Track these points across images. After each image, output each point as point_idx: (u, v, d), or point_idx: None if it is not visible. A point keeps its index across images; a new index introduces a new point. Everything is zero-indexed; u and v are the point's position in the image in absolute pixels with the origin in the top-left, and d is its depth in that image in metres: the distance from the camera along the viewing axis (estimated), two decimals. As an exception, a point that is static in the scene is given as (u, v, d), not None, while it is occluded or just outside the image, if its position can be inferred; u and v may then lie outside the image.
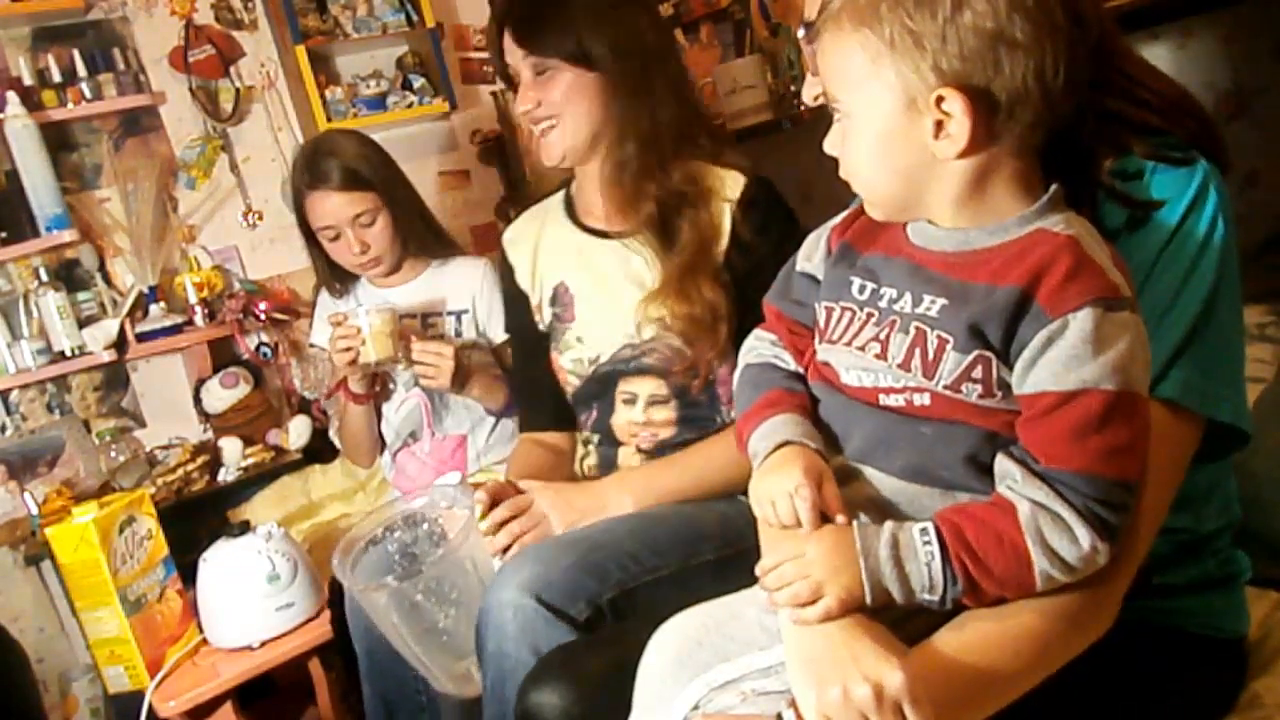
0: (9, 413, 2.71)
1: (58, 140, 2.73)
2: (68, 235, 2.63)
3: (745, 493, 0.89)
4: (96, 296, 2.76)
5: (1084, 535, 0.73)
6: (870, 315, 0.83)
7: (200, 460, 2.63)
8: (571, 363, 1.55)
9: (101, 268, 2.79)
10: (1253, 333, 1.48)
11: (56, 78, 2.72)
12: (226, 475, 2.67)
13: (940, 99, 0.75)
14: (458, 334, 2.09)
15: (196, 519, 2.48)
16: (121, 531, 1.86)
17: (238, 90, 2.99)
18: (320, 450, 2.71)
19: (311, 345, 2.31)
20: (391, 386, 2.11)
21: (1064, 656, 0.80)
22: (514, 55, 1.47)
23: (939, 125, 0.76)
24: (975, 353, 0.76)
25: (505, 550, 1.35)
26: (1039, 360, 0.74)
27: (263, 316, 2.85)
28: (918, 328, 0.79)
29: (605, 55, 1.42)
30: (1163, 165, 0.87)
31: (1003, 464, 0.77)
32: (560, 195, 1.62)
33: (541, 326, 1.61)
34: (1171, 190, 0.86)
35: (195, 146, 2.95)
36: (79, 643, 2.53)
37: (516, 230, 1.67)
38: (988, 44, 0.73)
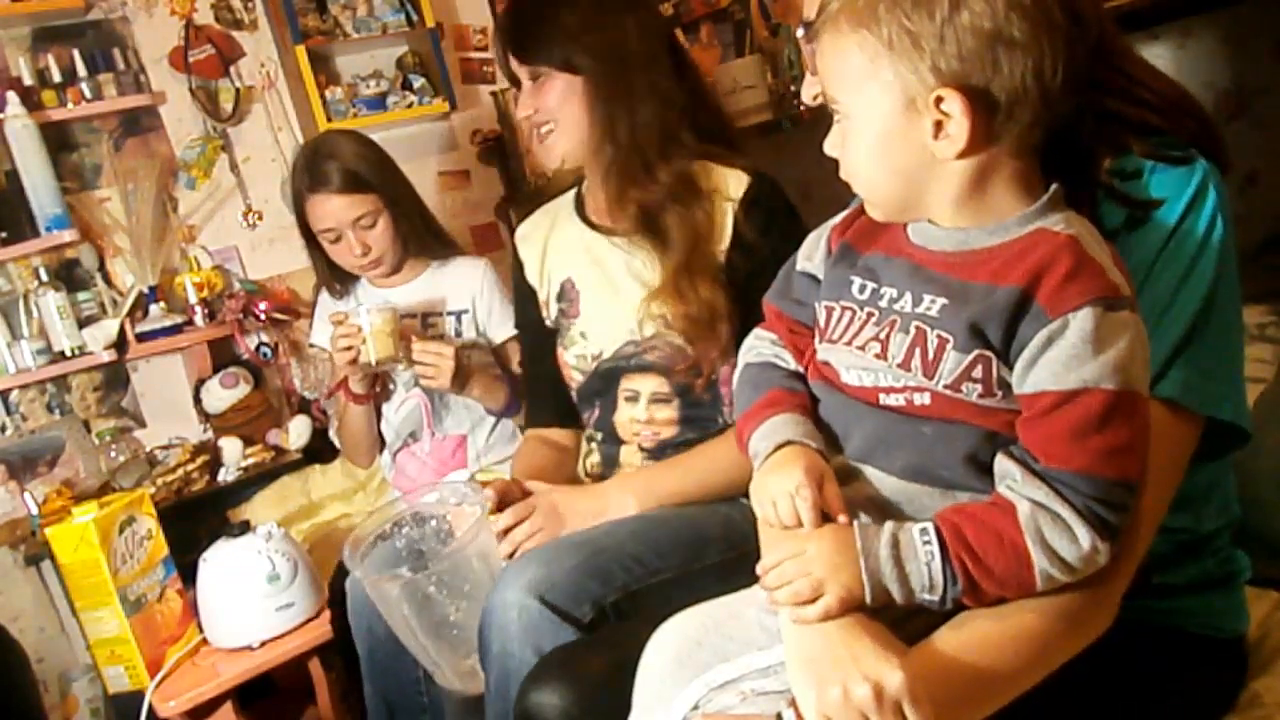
0: (9, 413, 2.71)
1: (58, 140, 2.73)
2: (68, 235, 2.64)
3: (748, 495, 0.89)
4: (96, 296, 2.76)
5: (1084, 535, 0.73)
6: (870, 315, 0.83)
7: (200, 460, 2.63)
8: (575, 358, 1.56)
9: (101, 268, 2.80)
10: (1253, 333, 1.48)
11: (56, 78, 2.72)
12: (226, 475, 2.67)
13: (939, 99, 0.75)
14: (458, 334, 2.09)
15: (196, 519, 2.48)
16: (121, 531, 1.86)
17: (238, 90, 2.99)
18: (320, 450, 2.72)
19: (311, 345, 2.31)
20: (391, 387, 2.11)
21: (1064, 656, 0.80)
22: (512, 63, 1.50)
23: (938, 125, 0.76)
24: (975, 352, 0.76)
25: (510, 556, 1.35)
26: (1039, 360, 0.74)
27: (263, 316, 2.85)
28: (918, 327, 0.79)
29: (588, 61, 1.44)
30: (1162, 165, 0.87)
31: (1002, 464, 0.77)
32: (572, 193, 1.63)
33: (548, 322, 1.62)
34: (1170, 189, 0.86)
35: (195, 146, 2.96)
36: (79, 643, 2.53)
37: (528, 226, 1.69)
38: (986, 44, 0.73)
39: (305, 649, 1.94)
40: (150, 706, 1.85)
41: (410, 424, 2.09)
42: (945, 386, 0.78)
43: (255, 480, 2.64)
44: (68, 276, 2.75)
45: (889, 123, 0.78)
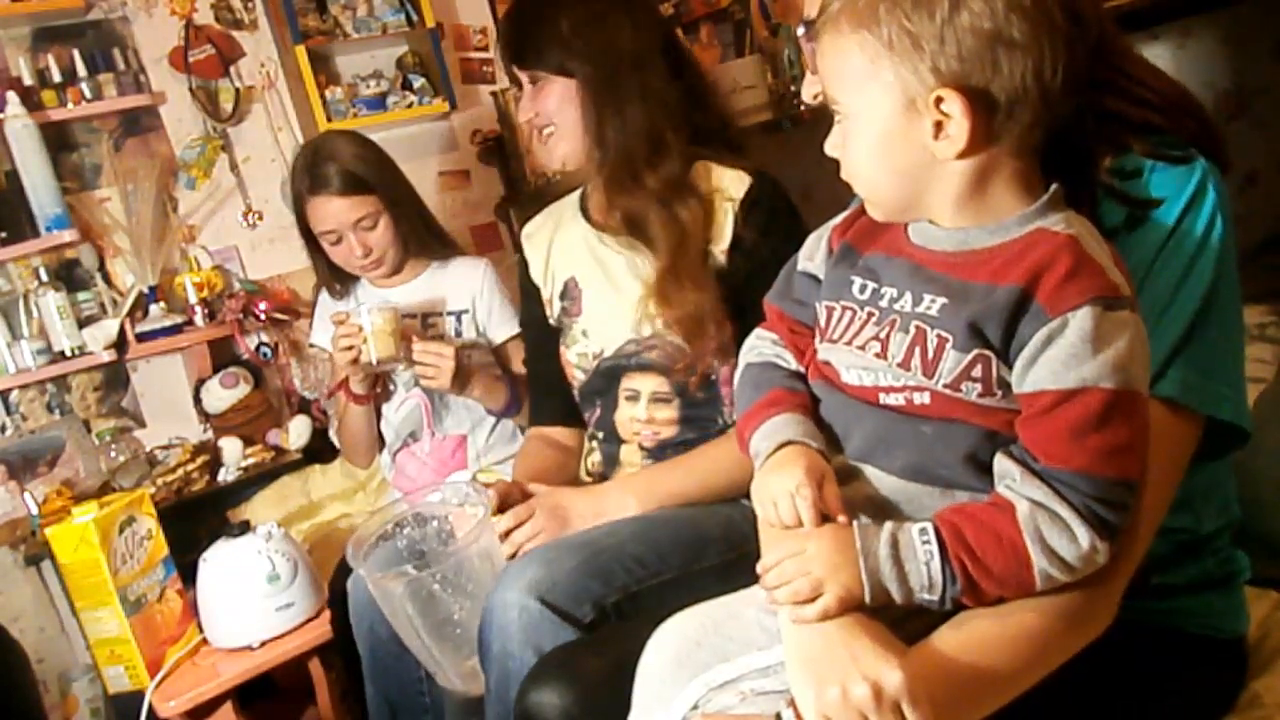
0: (9, 413, 2.71)
1: (58, 140, 2.73)
2: (68, 235, 2.64)
3: (749, 495, 0.89)
4: (96, 296, 2.76)
5: (1083, 534, 0.73)
6: (871, 314, 0.83)
7: (200, 460, 2.63)
8: (577, 357, 1.57)
9: (101, 268, 2.79)
10: (1253, 333, 1.48)
11: (56, 78, 2.72)
12: (226, 475, 2.67)
13: (939, 99, 0.75)
14: (458, 334, 2.09)
15: (196, 519, 2.49)
16: (121, 531, 1.86)
17: (238, 90, 2.99)
18: (320, 450, 2.72)
19: (311, 345, 2.31)
20: (391, 387, 2.11)
21: (1063, 655, 0.80)
22: (513, 68, 1.52)
23: (938, 126, 0.76)
24: (975, 351, 0.76)
25: (512, 558, 1.35)
26: (1038, 359, 0.74)
27: (263, 316, 2.85)
28: (918, 327, 0.79)
29: (583, 65, 1.45)
30: (1162, 164, 0.87)
31: (1002, 463, 0.77)
32: (577, 193, 1.65)
33: (551, 321, 1.63)
34: (1170, 189, 0.86)
35: (195, 146, 2.96)
36: (79, 643, 2.53)
37: (534, 225, 1.70)
38: (985, 44, 0.73)
39: (305, 649, 1.94)
40: (150, 706, 1.85)
41: (410, 424, 2.09)
42: (945, 386, 0.78)
43: (255, 480, 2.64)
44: (68, 276, 2.75)
45: (889, 123, 0.78)
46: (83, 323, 2.70)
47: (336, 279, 2.13)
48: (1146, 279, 0.85)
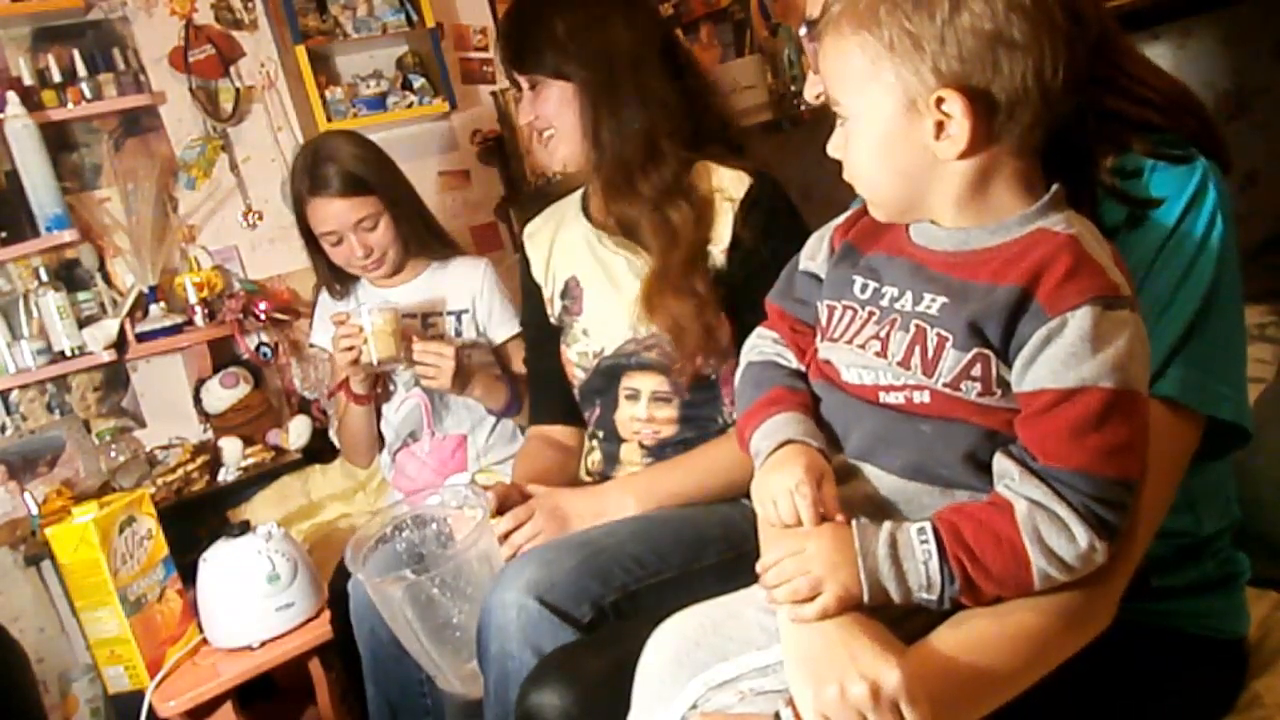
0: (9, 413, 2.71)
1: (58, 140, 2.73)
2: (68, 235, 2.64)
3: (748, 495, 0.89)
4: (96, 296, 2.76)
5: (1081, 534, 0.73)
6: (871, 313, 0.83)
7: (200, 460, 2.63)
8: (578, 355, 1.57)
9: (101, 268, 2.80)
10: (1253, 333, 1.48)
11: (56, 78, 2.72)
12: (226, 475, 2.67)
13: (940, 100, 0.75)
14: (458, 334, 2.09)
15: (196, 519, 2.49)
16: (121, 531, 1.86)
17: (238, 90, 2.99)
18: (320, 450, 2.72)
19: (311, 345, 2.31)
20: (391, 387, 2.11)
21: (1062, 655, 0.80)
22: (512, 72, 1.53)
23: (939, 126, 0.76)
24: (974, 350, 0.77)
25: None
26: (1038, 358, 0.74)
27: (263, 316, 2.85)
28: (918, 325, 0.79)
29: (579, 69, 1.45)
30: (1162, 163, 0.87)
31: (1001, 462, 0.77)
32: (579, 192, 1.65)
33: (552, 320, 1.63)
34: (1171, 188, 0.86)
35: (195, 146, 2.96)
36: (79, 643, 2.53)
37: (536, 224, 1.71)
38: (986, 45, 0.73)
39: (305, 649, 1.94)
40: (150, 706, 1.85)
41: (410, 424, 2.09)
42: (944, 384, 0.78)
43: (255, 480, 2.65)
44: (68, 276, 2.75)
45: (891, 124, 0.78)
46: (83, 323, 2.70)
47: (336, 279, 2.13)
48: (1147, 278, 0.85)
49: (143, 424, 2.86)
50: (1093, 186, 0.86)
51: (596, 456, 1.58)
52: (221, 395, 2.76)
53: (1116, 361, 0.72)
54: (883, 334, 0.81)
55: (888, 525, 0.78)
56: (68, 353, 2.65)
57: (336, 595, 1.79)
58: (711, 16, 2.97)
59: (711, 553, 1.36)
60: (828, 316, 0.88)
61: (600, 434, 1.57)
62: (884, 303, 0.83)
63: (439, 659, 1.36)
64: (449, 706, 1.56)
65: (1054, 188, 0.79)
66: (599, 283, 1.55)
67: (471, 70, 3.38)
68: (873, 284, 0.85)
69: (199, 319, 2.79)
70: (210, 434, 2.81)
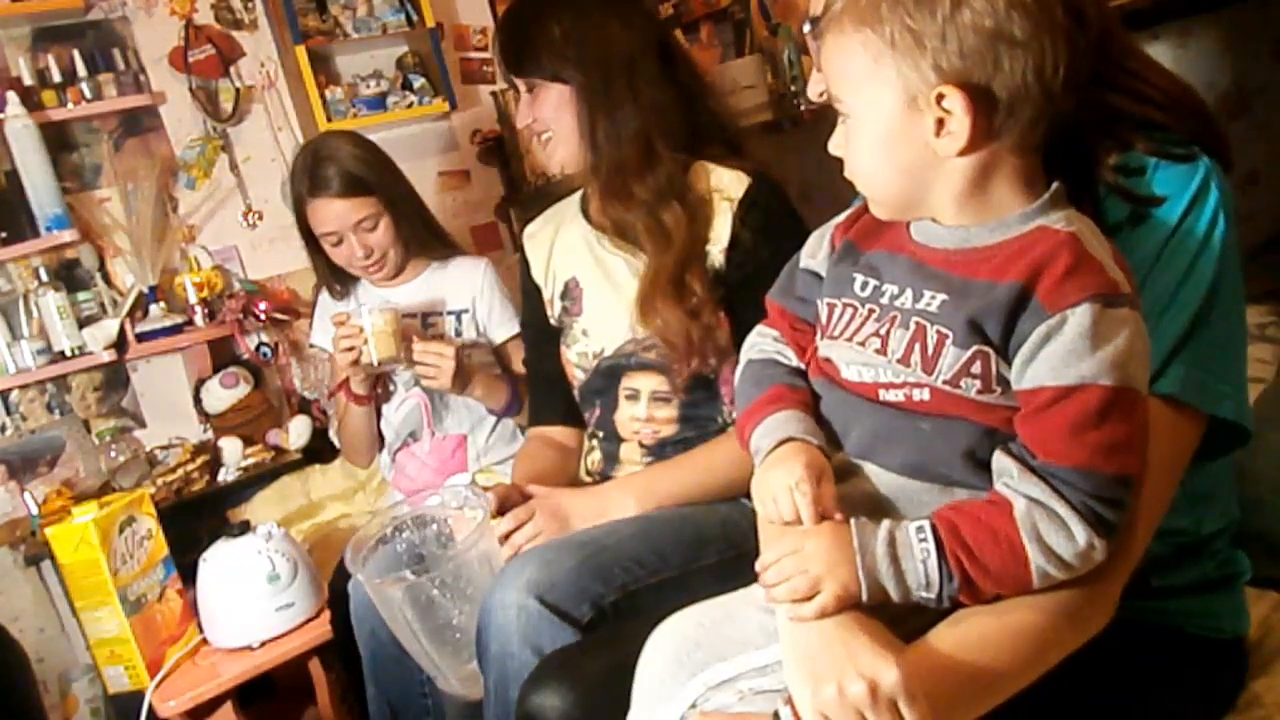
0: (9, 413, 2.72)
1: (58, 140, 2.73)
2: (68, 235, 2.64)
3: (748, 495, 0.89)
4: (96, 296, 2.76)
5: (1080, 532, 0.73)
6: (871, 311, 0.83)
7: (200, 460, 2.63)
8: (578, 356, 1.57)
9: (101, 268, 2.80)
10: (1253, 333, 1.48)
11: (56, 78, 2.72)
12: (226, 475, 2.67)
13: (941, 97, 0.75)
14: (458, 334, 2.09)
15: (196, 519, 2.49)
16: (121, 531, 1.86)
17: (238, 90, 2.99)
18: (320, 450, 2.72)
19: (311, 345, 2.31)
20: (391, 387, 2.11)
21: (1061, 653, 0.80)
22: (510, 75, 1.54)
23: (940, 123, 0.76)
24: (974, 348, 0.77)
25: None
26: (1037, 355, 0.74)
27: (263, 316, 2.85)
28: (918, 323, 0.79)
29: (575, 72, 1.46)
30: (1165, 161, 0.87)
31: (1000, 460, 0.77)
32: (579, 194, 1.65)
33: (552, 321, 1.63)
34: (1173, 187, 0.86)
35: (195, 146, 2.96)
36: (79, 643, 2.53)
37: (536, 226, 1.71)
38: (987, 42, 0.73)
39: (305, 649, 1.94)
40: (150, 706, 1.85)
41: (410, 424, 2.09)
42: (944, 382, 0.78)
43: (255, 480, 2.65)
44: (68, 276, 2.75)
45: (892, 121, 0.78)
46: (83, 323, 2.70)
47: (337, 279, 2.13)
48: (1149, 277, 0.85)
49: (143, 424, 2.86)
50: (1094, 184, 0.86)
51: (596, 456, 1.59)
52: (221, 395, 2.76)
53: (1116, 359, 0.72)
54: (883, 331, 0.81)
55: (886, 524, 0.78)
56: (68, 353, 2.65)
57: (336, 595, 1.79)
58: (711, 16, 2.97)
59: (711, 552, 1.36)
60: (828, 314, 0.88)
61: (600, 434, 1.58)
62: (884, 300, 0.83)
63: (439, 660, 1.36)
64: (449, 707, 1.56)
65: (1054, 185, 0.79)
66: (598, 283, 1.55)
67: (471, 70, 3.38)
68: (873, 281, 0.85)
69: (199, 319, 2.80)
70: (210, 434, 2.81)
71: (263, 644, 1.91)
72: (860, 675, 0.74)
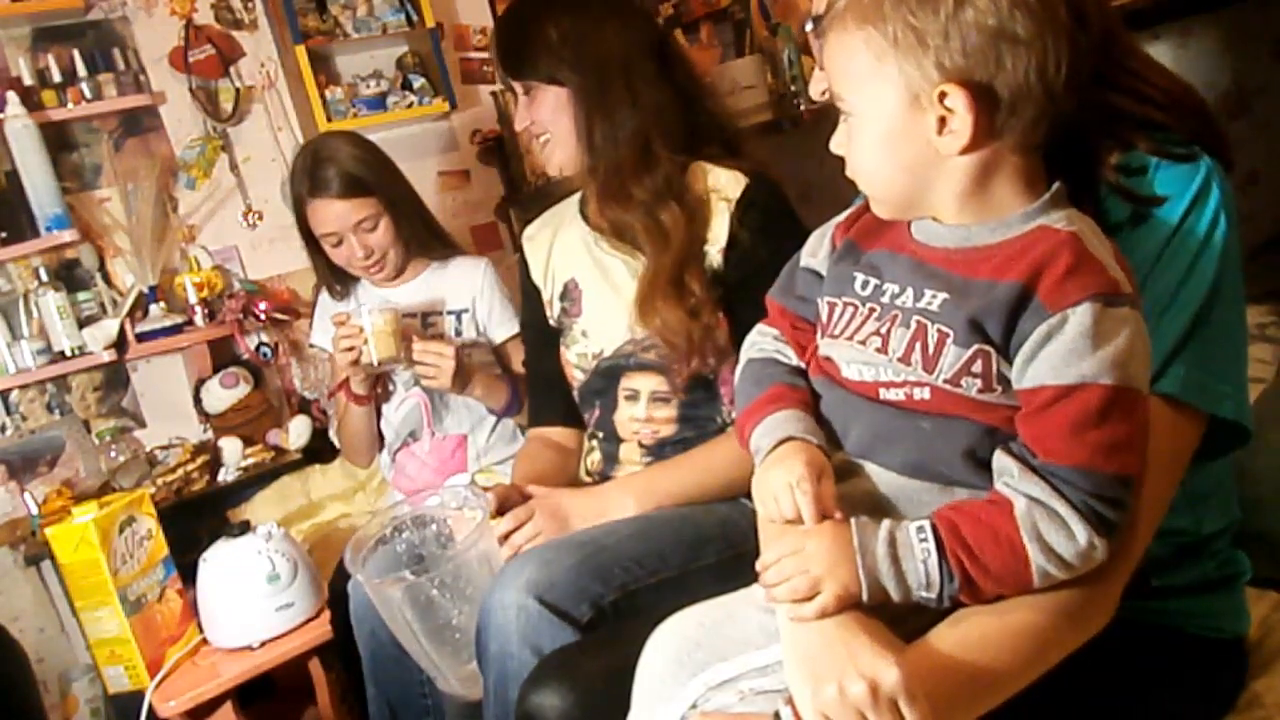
0: (9, 413, 2.71)
1: (58, 140, 2.73)
2: (68, 235, 2.64)
3: (748, 495, 0.89)
4: (96, 296, 2.76)
5: (1081, 531, 0.73)
6: (872, 310, 0.83)
7: (200, 460, 2.63)
8: (577, 357, 1.58)
9: (101, 268, 2.80)
10: (1253, 333, 1.48)
11: (56, 78, 2.72)
12: (226, 475, 2.67)
13: (943, 95, 0.75)
14: (458, 333, 2.09)
15: (196, 519, 2.49)
16: (121, 531, 1.86)
17: (238, 90, 2.99)
18: (320, 450, 2.72)
19: (311, 345, 2.31)
20: (391, 387, 2.11)
21: (1061, 653, 0.80)
22: (507, 78, 1.54)
23: (942, 121, 0.76)
24: (975, 347, 0.77)
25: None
26: (1038, 354, 0.74)
27: (263, 316, 2.85)
28: (918, 322, 0.79)
29: (572, 74, 1.46)
30: (1166, 161, 0.87)
31: (1001, 460, 0.77)
32: (577, 195, 1.65)
33: (551, 322, 1.63)
34: (1174, 187, 0.86)
35: (195, 146, 2.96)
36: (79, 643, 2.53)
37: (535, 227, 1.71)
38: (989, 40, 0.73)
39: (305, 649, 1.94)
40: (150, 706, 1.85)
41: (410, 424, 2.09)
42: (945, 381, 0.78)
43: (255, 480, 2.65)
44: (68, 276, 2.75)
45: (894, 119, 0.78)
46: (83, 323, 2.70)
47: (337, 280, 2.13)
48: (1150, 276, 0.85)
49: (143, 424, 2.86)
50: (1095, 184, 0.86)
51: (596, 457, 1.59)
52: (221, 395, 2.76)
53: (1117, 358, 0.72)
54: (883, 330, 0.81)
55: (887, 524, 0.78)
56: (68, 353, 2.65)
57: (336, 596, 1.79)
58: (711, 16, 2.97)
59: (711, 552, 1.36)
60: (828, 313, 0.88)
61: (600, 434, 1.58)
62: (885, 299, 0.83)
63: (438, 660, 1.36)
64: (449, 707, 1.56)
65: (1055, 185, 0.79)
66: (597, 285, 1.55)
67: (471, 70, 3.38)
68: (874, 280, 0.85)
69: (199, 319, 2.79)
70: (210, 434, 2.81)
71: (263, 644, 1.91)
72: (861, 675, 0.74)
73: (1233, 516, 1.00)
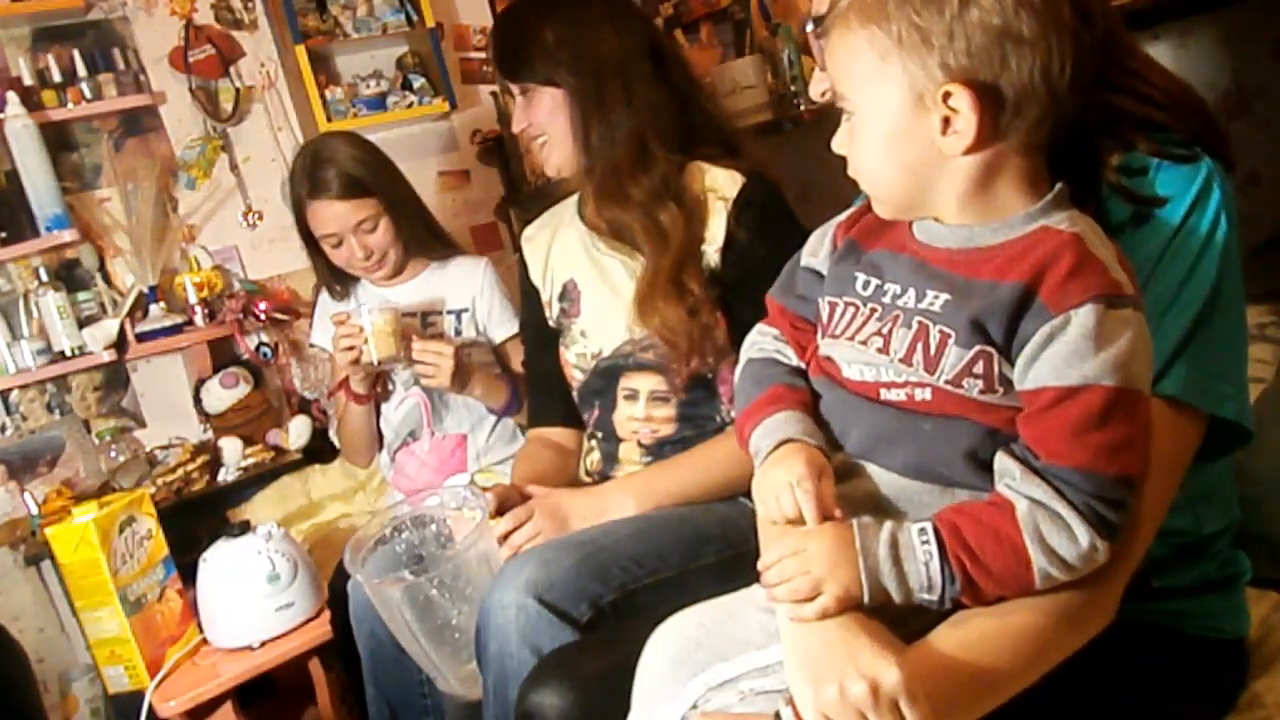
0: (9, 413, 2.71)
1: (58, 140, 2.73)
2: (68, 235, 2.64)
3: (747, 494, 0.89)
4: (96, 296, 2.76)
5: (1082, 533, 0.73)
6: (874, 310, 0.83)
7: (200, 460, 2.63)
8: (576, 357, 1.58)
9: (101, 268, 2.80)
10: (1253, 333, 1.48)
11: (56, 78, 2.72)
12: (226, 475, 2.67)
13: (947, 95, 0.75)
14: (457, 333, 2.09)
15: (196, 519, 2.48)
16: (121, 531, 1.86)
17: (238, 90, 2.99)
18: (320, 450, 2.72)
19: (311, 345, 2.31)
20: (391, 386, 2.11)
21: (1062, 654, 0.80)
22: (504, 79, 1.55)
23: (946, 122, 0.76)
24: (977, 348, 0.76)
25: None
26: (1040, 355, 0.74)
27: (263, 316, 2.85)
28: (920, 323, 0.79)
29: (569, 76, 1.46)
30: (1167, 162, 0.87)
31: (1002, 461, 0.77)
32: (576, 196, 1.65)
33: (550, 322, 1.64)
34: (1175, 188, 0.86)
35: (195, 146, 2.96)
36: (79, 643, 2.53)
37: (534, 228, 1.72)
38: (994, 40, 0.73)
39: (305, 649, 1.94)
40: (150, 706, 1.85)
41: (410, 423, 2.09)
42: (946, 382, 0.78)
43: (255, 480, 2.65)
44: (68, 276, 2.75)
45: (897, 119, 0.78)
46: (83, 323, 2.70)
47: (336, 280, 2.13)
48: (1151, 277, 0.85)
49: (143, 424, 2.86)
50: (1097, 185, 0.86)
51: (595, 456, 1.59)
52: (221, 395, 2.76)
53: (1119, 360, 0.72)
54: (885, 330, 0.81)
55: (888, 525, 0.78)
56: (68, 353, 2.65)
57: (336, 596, 1.78)
58: (711, 16, 2.97)
59: (710, 552, 1.36)
60: (829, 313, 0.88)
61: (599, 434, 1.58)
62: (886, 299, 0.83)
63: (438, 660, 1.36)
64: (449, 707, 1.56)
65: (1058, 186, 0.79)
66: (596, 285, 1.55)
67: (471, 70, 3.38)
68: (875, 280, 0.85)
69: (199, 319, 2.79)
70: (210, 434, 2.81)
71: (263, 644, 1.91)
72: (861, 676, 0.74)
73: (1233, 517, 1.00)
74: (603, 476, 1.57)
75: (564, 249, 1.62)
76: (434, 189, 3.23)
